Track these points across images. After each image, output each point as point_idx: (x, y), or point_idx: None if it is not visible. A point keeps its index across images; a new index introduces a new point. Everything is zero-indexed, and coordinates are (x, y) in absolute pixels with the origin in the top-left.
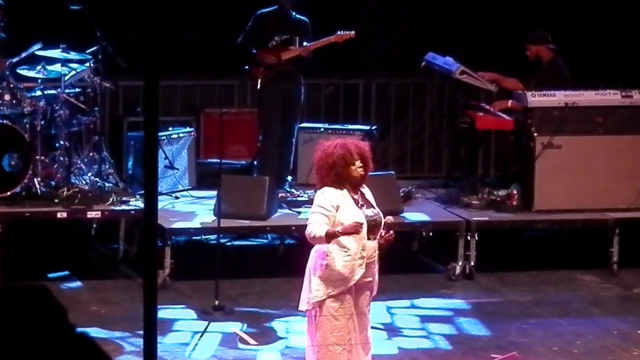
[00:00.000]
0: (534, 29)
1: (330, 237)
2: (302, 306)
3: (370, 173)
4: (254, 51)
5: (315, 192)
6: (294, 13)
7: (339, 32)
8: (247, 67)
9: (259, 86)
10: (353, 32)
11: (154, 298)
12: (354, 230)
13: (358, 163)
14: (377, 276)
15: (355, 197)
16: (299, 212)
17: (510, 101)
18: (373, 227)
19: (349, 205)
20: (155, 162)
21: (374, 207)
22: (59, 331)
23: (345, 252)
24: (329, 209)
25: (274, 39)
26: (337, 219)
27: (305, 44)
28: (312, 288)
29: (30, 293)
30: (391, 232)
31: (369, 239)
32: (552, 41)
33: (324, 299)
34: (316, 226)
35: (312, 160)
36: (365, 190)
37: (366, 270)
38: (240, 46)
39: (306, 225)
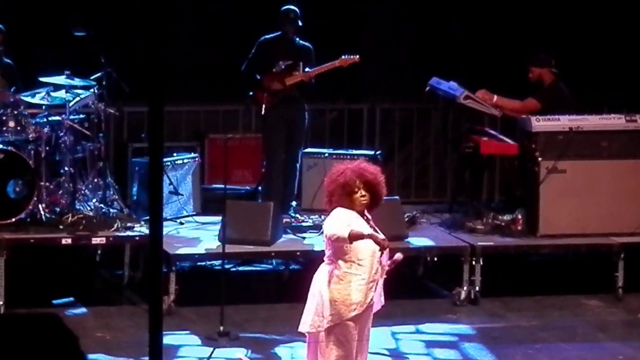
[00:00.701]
0: (538, 53)
1: (353, 238)
2: (304, 328)
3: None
4: (259, 77)
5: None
6: (297, 39)
7: (343, 57)
8: (251, 93)
9: (263, 111)
10: (357, 56)
11: (159, 324)
12: (382, 243)
13: (361, 192)
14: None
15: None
16: (304, 237)
17: (495, 96)
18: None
19: (363, 224)
20: (160, 188)
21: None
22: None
23: (360, 276)
24: (347, 220)
25: (278, 65)
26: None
27: (307, 69)
28: (324, 312)
29: (38, 320)
30: (392, 265)
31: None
32: (555, 66)
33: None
34: (338, 228)
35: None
36: (367, 216)
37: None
38: (244, 72)
39: (312, 252)
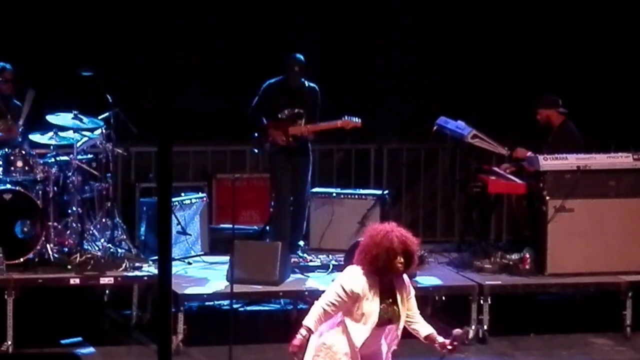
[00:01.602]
0: (543, 93)
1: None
2: None
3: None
4: (265, 122)
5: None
6: (302, 80)
7: (345, 118)
8: (256, 135)
9: (267, 149)
10: (360, 120)
11: None
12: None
13: (400, 258)
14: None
15: (382, 287)
16: (311, 277)
17: (529, 152)
18: (383, 322)
19: (370, 298)
20: (169, 228)
21: (396, 304)
22: None
23: (359, 334)
24: (346, 294)
25: (283, 112)
26: (350, 304)
27: (307, 127)
28: (313, 353)
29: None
30: (455, 343)
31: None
32: (563, 105)
33: None
34: (317, 308)
35: (360, 232)
36: (405, 280)
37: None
38: (251, 117)
39: (319, 292)
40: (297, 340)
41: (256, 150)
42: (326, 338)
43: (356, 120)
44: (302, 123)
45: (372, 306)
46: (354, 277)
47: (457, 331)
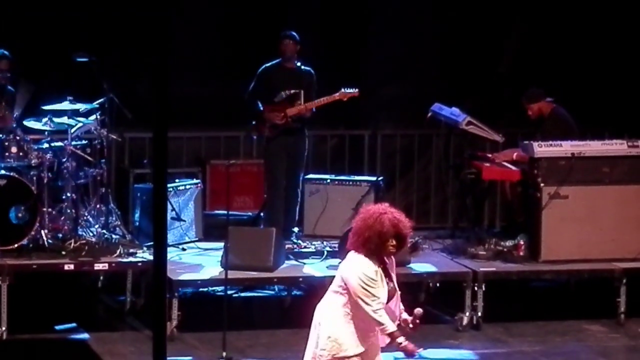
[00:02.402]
0: (528, 89)
1: (392, 337)
2: None
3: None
4: (261, 107)
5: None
6: (298, 64)
7: (342, 90)
8: (253, 123)
9: (265, 141)
10: (357, 90)
11: (164, 349)
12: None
13: (392, 241)
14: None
15: (381, 268)
16: (305, 264)
17: (515, 153)
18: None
19: (379, 280)
20: (164, 214)
21: (391, 280)
22: None
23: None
24: (371, 279)
25: (280, 94)
26: None
27: (306, 104)
28: (319, 346)
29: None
30: (417, 321)
31: None
32: (548, 94)
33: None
34: (386, 318)
35: (354, 215)
36: (390, 260)
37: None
38: (247, 102)
39: (313, 278)
40: (408, 345)
41: (254, 137)
42: (331, 332)
43: (353, 90)
44: (301, 103)
45: (381, 288)
46: (364, 264)
47: (418, 310)
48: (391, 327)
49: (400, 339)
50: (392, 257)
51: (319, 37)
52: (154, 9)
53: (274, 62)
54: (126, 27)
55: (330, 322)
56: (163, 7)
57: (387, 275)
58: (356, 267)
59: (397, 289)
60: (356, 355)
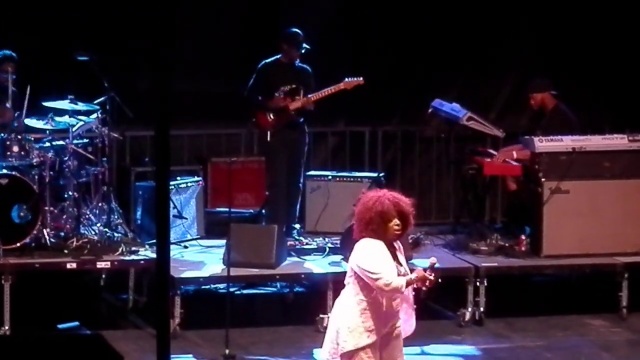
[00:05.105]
0: (535, 78)
1: (408, 286)
2: (323, 355)
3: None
4: (261, 101)
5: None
6: (296, 62)
7: (346, 79)
8: (254, 120)
9: (269, 138)
10: (361, 78)
11: (167, 348)
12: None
13: (396, 221)
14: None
15: (390, 250)
16: (307, 260)
17: (514, 151)
18: None
19: (390, 259)
20: (166, 211)
21: (401, 265)
22: None
23: (381, 305)
24: (386, 257)
25: (279, 90)
26: None
27: (309, 95)
28: (340, 339)
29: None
30: (432, 274)
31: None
32: (554, 87)
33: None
34: (392, 275)
35: (354, 210)
36: (398, 245)
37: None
38: (247, 98)
39: (315, 275)
40: (421, 276)
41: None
42: (350, 323)
43: (358, 78)
44: (301, 97)
45: (389, 262)
46: (375, 251)
47: (432, 259)
48: (403, 281)
49: (412, 276)
50: (400, 243)
51: (319, 34)
52: (154, 9)
53: (273, 58)
54: (126, 27)
55: (346, 313)
56: (163, 7)
57: (396, 257)
58: (359, 247)
59: (409, 272)
60: (371, 345)
